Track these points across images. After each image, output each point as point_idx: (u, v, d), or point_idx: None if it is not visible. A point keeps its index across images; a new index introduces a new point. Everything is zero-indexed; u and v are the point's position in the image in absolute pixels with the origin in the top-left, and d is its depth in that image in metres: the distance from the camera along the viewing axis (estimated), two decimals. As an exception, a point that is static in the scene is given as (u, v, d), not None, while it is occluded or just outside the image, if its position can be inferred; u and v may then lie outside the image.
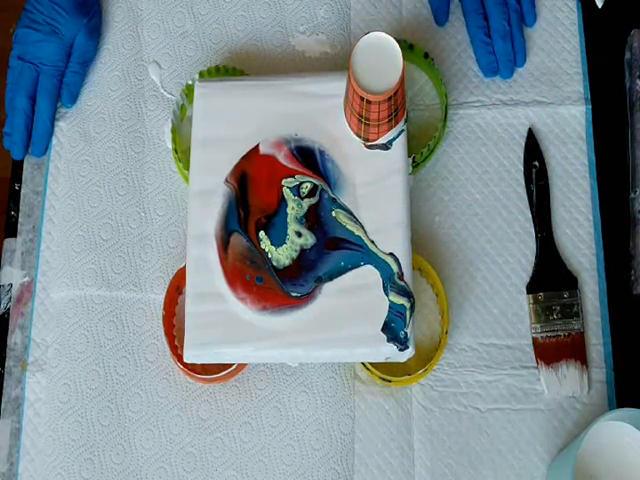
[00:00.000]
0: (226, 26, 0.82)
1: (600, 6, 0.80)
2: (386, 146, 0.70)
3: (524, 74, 0.79)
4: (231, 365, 0.70)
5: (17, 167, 0.81)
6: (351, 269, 0.68)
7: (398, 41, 0.66)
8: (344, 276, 0.67)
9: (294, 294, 0.67)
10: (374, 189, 0.69)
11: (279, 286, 0.67)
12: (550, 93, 0.78)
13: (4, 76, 0.79)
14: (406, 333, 0.66)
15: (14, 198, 0.80)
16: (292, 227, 0.69)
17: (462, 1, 0.79)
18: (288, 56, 0.81)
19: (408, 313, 0.66)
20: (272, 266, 0.68)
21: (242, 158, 0.71)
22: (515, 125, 0.78)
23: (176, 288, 0.73)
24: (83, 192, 0.79)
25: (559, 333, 0.72)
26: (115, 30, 0.83)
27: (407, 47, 0.77)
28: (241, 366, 0.72)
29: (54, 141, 0.81)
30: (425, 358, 0.71)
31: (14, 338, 0.76)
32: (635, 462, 0.65)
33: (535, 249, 0.74)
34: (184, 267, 0.71)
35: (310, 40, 0.81)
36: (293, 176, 0.70)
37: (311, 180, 0.70)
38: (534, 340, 0.72)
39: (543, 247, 0.74)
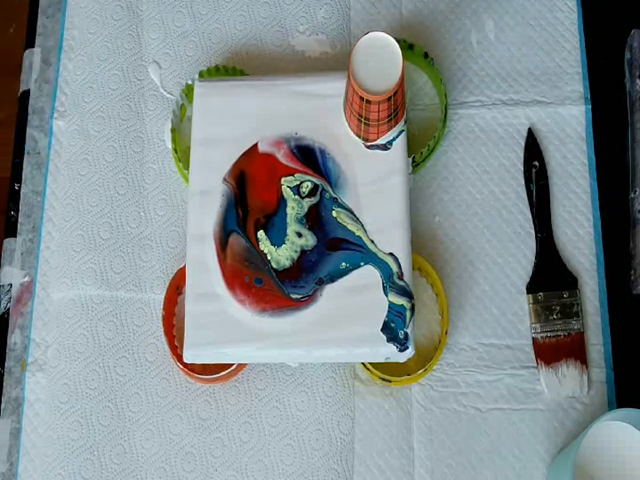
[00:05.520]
0: (226, 26, 0.82)
1: None
2: (386, 146, 0.70)
3: (524, 74, 0.79)
4: (231, 365, 0.70)
5: (17, 167, 0.81)
6: (352, 270, 0.68)
7: (398, 41, 0.66)
8: (345, 277, 0.67)
9: (294, 296, 0.67)
10: (374, 189, 0.69)
11: (279, 288, 0.67)
12: (550, 93, 0.78)
13: (3, 76, 0.79)
14: (406, 333, 0.66)
15: (14, 198, 0.80)
16: (292, 227, 0.69)
17: None
18: (288, 56, 0.81)
19: (408, 313, 0.66)
20: (271, 267, 0.68)
21: (240, 157, 0.71)
22: (515, 125, 0.78)
23: (176, 288, 0.73)
24: (83, 192, 0.78)
25: (559, 333, 0.72)
26: (115, 30, 0.83)
27: (407, 47, 0.77)
28: (241, 366, 0.72)
29: (53, 140, 0.81)
30: (425, 358, 0.71)
31: (14, 338, 0.76)
32: (635, 462, 0.65)
33: (535, 249, 0.74)
34: (184, 267, 0.71)
35: (310, 40, 0.81)
36: (293, 175, 0.70)
37: (312, 179, 0.70)
38: (534, 340, 0.72)
39: (543, 247, 0.74)
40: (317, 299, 0.67)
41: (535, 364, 0.72)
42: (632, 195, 0.75)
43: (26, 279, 0.78)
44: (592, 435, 0.64)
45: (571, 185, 0.76)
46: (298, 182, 0.70)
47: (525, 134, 0.77)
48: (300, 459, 0.70)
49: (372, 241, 0.68)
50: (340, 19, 0.81)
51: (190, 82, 0.77)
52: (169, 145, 0.79)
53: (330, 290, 0.67)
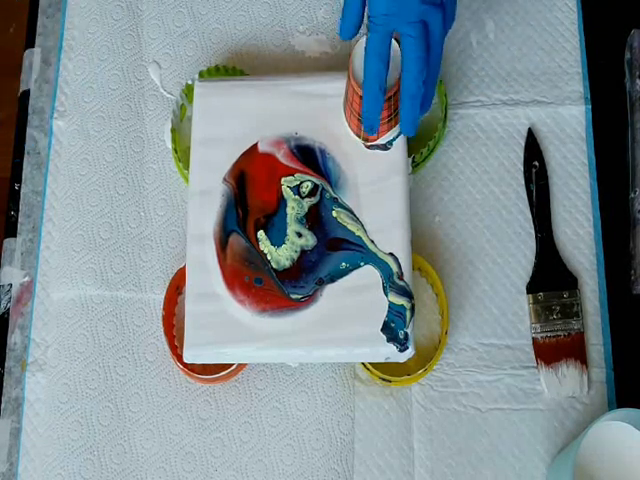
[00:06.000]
0: (226, 26, 0.82)
1: None
2: (386, 146, 0.70)
3: (524, 74, 0.79)
4: (231, 365, 0.70)
5: (17, 167, 0.81)
6: (352, 270, 0.67)
7: (398, 41, 0.66)
8: (345, 277, 0.67)
9: (294, 296, 0.67)
10: (374, 189, 0.69)
11: (279, 288, 0.67)
12: (550, 93, 0.78)
13: (3, 76, 0.79)
14: (406, 333, 0.66)
15: (14, 198, 0.80)
16: (292, 227, 0.69)
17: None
18: (288, 56, 0.81)
19: (408, 313, 0.66)
20: (271, 268, 0.68)
21: (240, 156, 0.71)
22: (515, 125, 0.78)
23: (176, 288, 0.73)
24: (83, 192, 0.78)
25: (559, 333, 0.72)
26: (115, 30, 0.83)
27: (407, 47, 0.77)
28: (241, 366, 0.72)
29: (53, 140, 0.81)
30: (425, 358, 0.71)
31: (14, 338, 0.76)
32: (635, 462, 0.65)
33: (535, 249, 0.74)
34: (184, 267, 0.71)
35: (310, 40, 0.81)
36: (293, 175, 0.70)
37: (312, 179, 0.70)
38: (534, 340, 0.72)
39: (543, 247, 0.74)
40: (317, 299, 0.67)
41: (535, 364, 0.72)
42: (632, 195, 0.75)
43: (26, 279, 0.78)
44: (592, 435, 0.64)
45: (571, 185, 0.76)
46: (298, 182, 0.70)
47: (525, 134, 0.77)
48: (300, 459, 0.70)
49: (372, 241, 0.68)
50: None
51: (190, 82, 0.77)
52: (169, 145, 0.79)
53: (330, 290, 0.67)
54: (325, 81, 0.72)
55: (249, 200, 0.70)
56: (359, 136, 0.70)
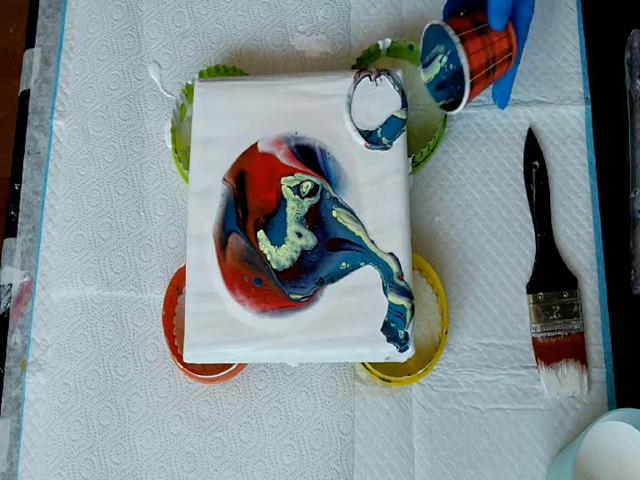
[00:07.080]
0: (226, 26, 0.82)
1: None
2: (386, 146, 0.70)
3: (524, 74, 0.79)
4: (231, 365, 0.70)
5: (17, 167, 0.81)
6: (352, 270, 0.67)
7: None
8: (345, 277, 0.67)
9: (294, 296, 0.67)
10: (374, 189, 0.69)
11: (279, 288, 0.67)
12: (550, 93, 0.78)
13: (3, 76, 0.79)
14: (406, 333, 0.66)
15: (14, 198, 0.80)
16: (292, 227, 0.69)
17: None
18: (288, 56, 0.81)
19: (408, 313, 0.66)
20: (271, 268, 0.68)
21: (240, 156, 0.71)
22: (515, 125, 0.78)
23: (176, 288, 0.73)
24: (83, 191, 0.79)
25: (559, 333, 0.72)
26: (115, 30, 0.83)
27: (407, 47, 0.77)
28: (241, 366, 0.72)
29: (53, 140, 0.81)
30: (425, 358, 0.71)
31: (14, 338, 0.76)
32: (635, 462, 0.65)
33: (535, 249, 0.74)
34: (184, 267, 0.71)
35: (310, 40, 0.81)
36: (293, 175, 0.70)
37: (312, 179, 0.70)
38: (534, 340, 0.72)
39: (543, 247, 0.74)
40: (317, 299, 0.67)
41: (535, 364, 0.72)
42: (632, 195, 0.75)
43: (26, 279, 0.78)
44: (592, 435, 0.64)
45: (571, 185, 0.76)
46: (298, 182, 0.70)
47: (525, 134, 0.77)
48: (300, 459, 0.70)
49: (372, 241, 0.68)
50: (340, 19, 0.82)
51: (190, 82, 0.77)
52: (169, 145, 0.79)
53: (330, 290, 0.67)
54: (325, 81, 0.72)
55: (249, 200, 0.70)
56: (470, 96, 0.69)
